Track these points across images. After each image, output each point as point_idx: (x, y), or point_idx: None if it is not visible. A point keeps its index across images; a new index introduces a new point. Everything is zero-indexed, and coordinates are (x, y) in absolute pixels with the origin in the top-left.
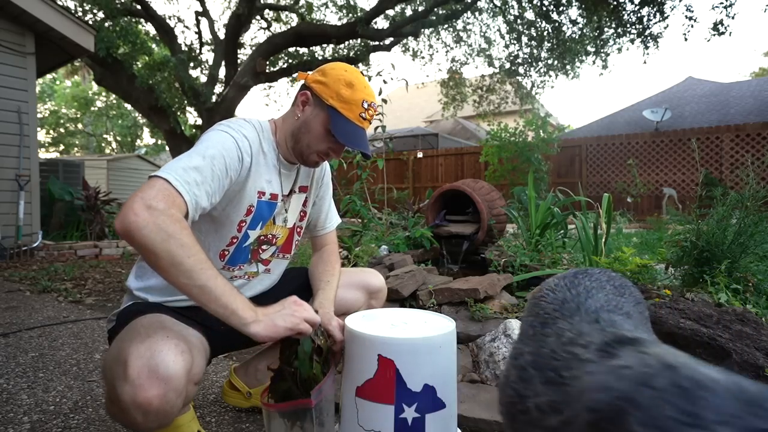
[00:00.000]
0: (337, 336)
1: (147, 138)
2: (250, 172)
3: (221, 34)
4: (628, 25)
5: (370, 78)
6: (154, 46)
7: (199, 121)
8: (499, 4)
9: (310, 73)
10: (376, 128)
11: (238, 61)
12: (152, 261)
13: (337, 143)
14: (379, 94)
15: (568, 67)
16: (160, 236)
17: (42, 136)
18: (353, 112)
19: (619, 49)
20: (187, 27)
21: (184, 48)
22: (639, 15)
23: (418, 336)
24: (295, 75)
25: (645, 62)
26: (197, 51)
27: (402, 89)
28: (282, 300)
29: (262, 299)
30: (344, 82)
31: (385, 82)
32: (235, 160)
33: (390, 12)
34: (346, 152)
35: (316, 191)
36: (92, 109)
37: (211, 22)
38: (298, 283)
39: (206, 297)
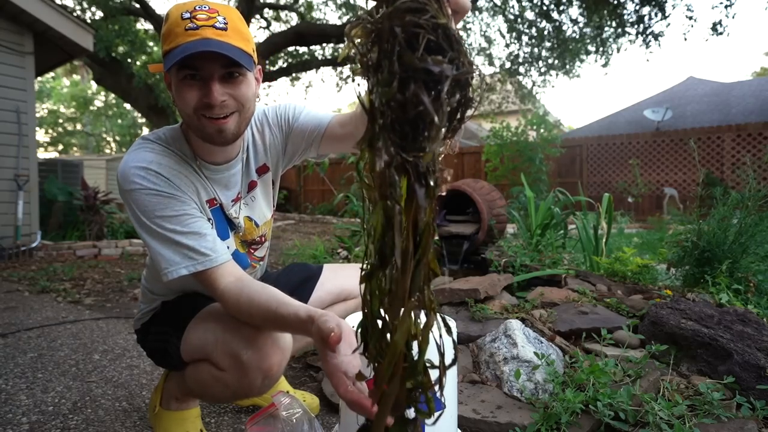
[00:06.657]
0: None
1: None
2: (188, 192)
3: None
4: (629, 24)
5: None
6: (152, 44)
7: None
8: (499, 3)
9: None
10: None
11: None
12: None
13: (197, 83)
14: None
15: (568, 66)
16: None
17: (41, 135)
18: (177, 34)
19: (619, 49)
20: None
21: None
22: (640, 14)
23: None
24: (294, 74)
25: (647, 60)
26: None
27: None
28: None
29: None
30: (163, 32)
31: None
32: (175, 200)
33: None
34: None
35: (282, 148)
36: (91, 108)
37: None
38: (299, 278)
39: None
